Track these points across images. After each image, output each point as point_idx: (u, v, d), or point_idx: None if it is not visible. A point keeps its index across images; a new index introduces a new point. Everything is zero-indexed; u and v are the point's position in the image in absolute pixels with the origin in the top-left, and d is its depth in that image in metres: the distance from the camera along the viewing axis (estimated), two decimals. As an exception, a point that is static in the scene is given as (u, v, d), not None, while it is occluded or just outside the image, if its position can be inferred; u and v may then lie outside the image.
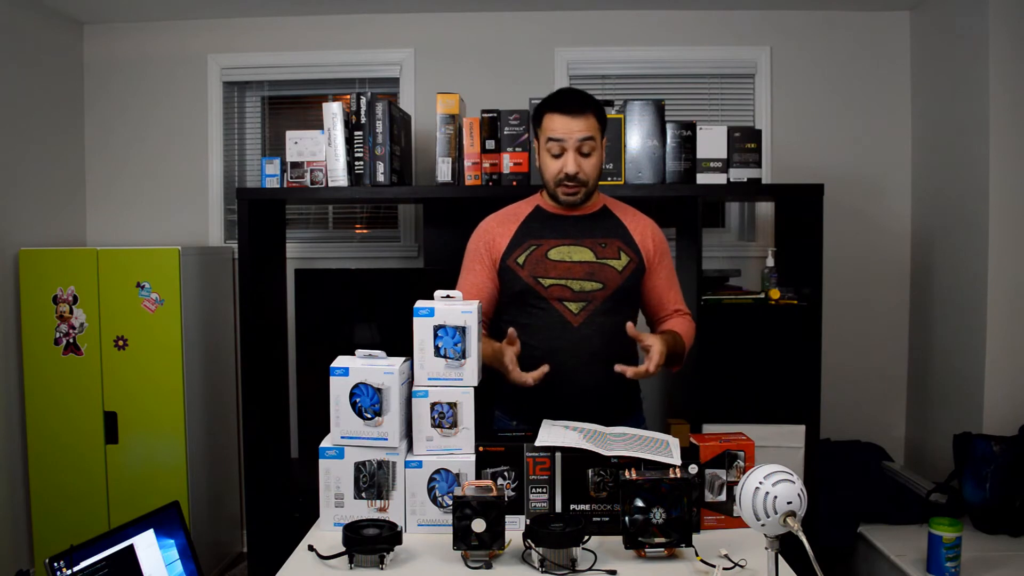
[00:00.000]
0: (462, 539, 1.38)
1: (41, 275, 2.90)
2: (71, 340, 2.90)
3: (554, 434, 1.58)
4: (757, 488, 1.17)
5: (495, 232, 1.92)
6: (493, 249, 1.90)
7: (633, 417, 1.93)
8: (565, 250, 1.86)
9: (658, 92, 3.36)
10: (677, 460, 1.53)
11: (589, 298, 1.84)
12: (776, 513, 1.15)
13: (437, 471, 1.54)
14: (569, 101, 1.81)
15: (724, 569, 1.35)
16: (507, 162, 2.68)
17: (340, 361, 1.55)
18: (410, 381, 1.59)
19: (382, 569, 1.39)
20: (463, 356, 1.56)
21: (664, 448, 1.57)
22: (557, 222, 1.91)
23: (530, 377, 1.72)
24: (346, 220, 3.53)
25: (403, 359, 1.57)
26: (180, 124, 3.41)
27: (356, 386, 1.52)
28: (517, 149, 2.69)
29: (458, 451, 1.55)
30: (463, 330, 1.56)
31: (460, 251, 1.98)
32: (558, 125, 1.80)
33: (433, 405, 1.55)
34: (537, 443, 1.54)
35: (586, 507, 1.53)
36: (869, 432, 3.28)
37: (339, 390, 1.53)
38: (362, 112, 2.67)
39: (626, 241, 1.90)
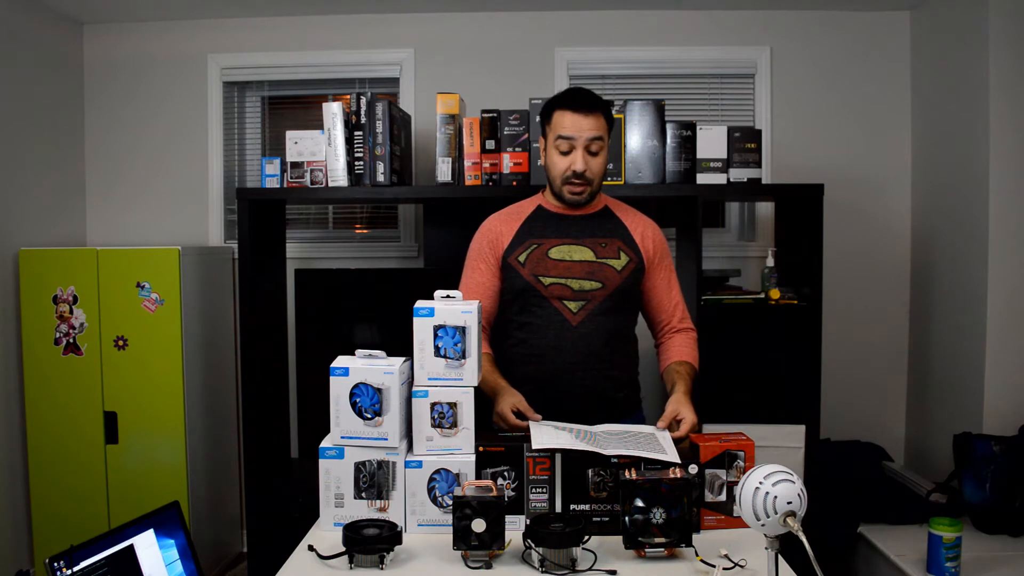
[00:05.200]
0: (462, 539, 1.38)
1: (41, 275, 2.90)
2: (71, 340, 2.90)
3: (546, 435, 1.58)
4: (757, 488, 1.17)
5: (498, 230, 1.93)
6: (496, 247, 1.91)
7: (633, 417, 1.93)
8: (566, 249, 1.86)
9: (658, 92, 3.36)
10: (671, 451, 1.54)
11: (588, 297, 1.84)
12: (776, 513, 1.15)
13: (437, 471, 1.54)
14: (581, 99, 1.83)
15: (724, 569, 1.35)
16: (507, 162, 2.69)
17: (340, 361, 1.55)
18: (410, 381, 1.59)
19: (382, 569, 1.39)
20: (463, 356, 1.56)
21: (654, 442, 1.57)
22: (558, 221, 1.91)
23: (514, 423, 1.69)
24: (346, 220, 3.53)
25: (403, 359, 1.57)
26: (180, 124, 3.40)
27: (356, 386, 1.52)
28: (517, 149, 2.69)
29: (458, 451, 1.55)
30: (463, 330, 1.56)
31: (460, 251, 1.98)
32: (568, 123, 1.81)
33: (433, 405, 1.55)
34: (533, 446, 1.54)
35: (586, 507, 1.53)
36: (869, 432, 3.28)
37: (339, 390, 1.53)
38: (362, 112, 2.67)
39: (626, 241, 1.90)
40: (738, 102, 3.37)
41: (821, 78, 3.30)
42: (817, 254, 2.68)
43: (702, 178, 2.70)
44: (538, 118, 1.99)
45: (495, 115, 2.69)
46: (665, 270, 1.95)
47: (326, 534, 1.53)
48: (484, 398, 1.76)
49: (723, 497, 1.56)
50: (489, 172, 2.70)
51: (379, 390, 1.52)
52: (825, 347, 2.72)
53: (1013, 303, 2.77)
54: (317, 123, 2.72)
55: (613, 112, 2.66)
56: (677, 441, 1.62)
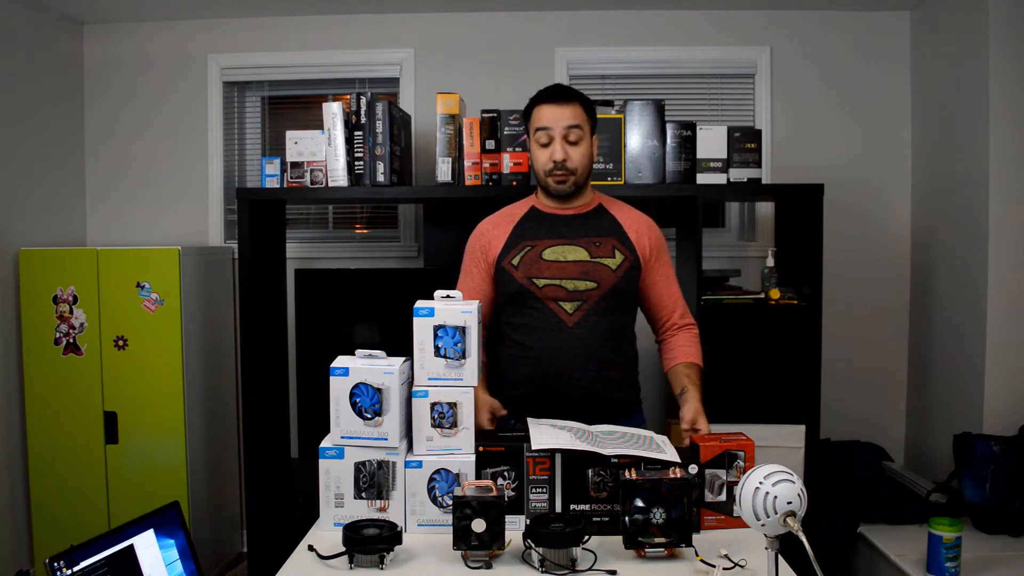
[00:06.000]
0: (462, 539, 1.38)
1: (41, 275, 2.90)
2: (71, 340, 2.90)
3: (546, 434, 1.58)
4: (757, 488, 1.17)
5: (491, 235, 1.93)
6: (489, 252, 1.91)
7: (633, 417, 1.93)
8: (560, 250, 1.86)
9: (658, 92, 3.36)
10: (671, 452, 1.54)
11: (583, 297, 1.83)
12: (776, 513, 1.15)
13: (437, 471, 1.54)
14: (555, 91, 1.87)
15: (724, 569, 1.35)
16: (507, 162, 2.69)
17: (340, 361, 1.55)
18: (410, 381, 1.59)
19: (382, 569, 1.39)
20: (463, 356, 1.56)
21: (655, 446, 1.57)
22: (552, 222, 1.91)
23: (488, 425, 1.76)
24: (346, 220, 3.53)
25: (403, 359, 1.57)
26: (180, 124, 3.41)
27: (356, 386, 1.52)
28: (517, 149, 2.69)
29: (458, 451, 1.55)
30: (463, 330, 1.56)
31: (460, 251, 1.98)
32: (545, 114, 1.84)
33: (433, 405, 1.55)
34: (533, 447, 1.54)
35: (586, 507, 1.53)
36: (869, 432, 3.28)
37: (339, 390, 1.53)
38: (362, 112, 2.67)
39: (621, 239, 1.90)
40: (738, 102, 3.37)
41: (821, 78, 3.30)
42: (817, 254, 2.68)
43: (702, 178, 2.70)
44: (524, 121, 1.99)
45: (495, 115, 2.69)
46: (663, 266, 1.95)
47: (326, 534, 1.53)
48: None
49: (723, 497, 1.56)
50: (489, 172, 2.70)
51: (379, 390, 1.52)
52: (825, 347, 2.72)
53: (1013, 303, 2.77)
54: (317, 123, 2.72)
55: (613, 112, 2.68)
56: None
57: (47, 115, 3.19)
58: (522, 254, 1.87)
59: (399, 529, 1.44)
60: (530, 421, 1.68)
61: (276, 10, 3.29)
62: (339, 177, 2.68)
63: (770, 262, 2.79)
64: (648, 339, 2.03)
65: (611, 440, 1.58)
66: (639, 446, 1.55)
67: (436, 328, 1.56)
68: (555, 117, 1.83)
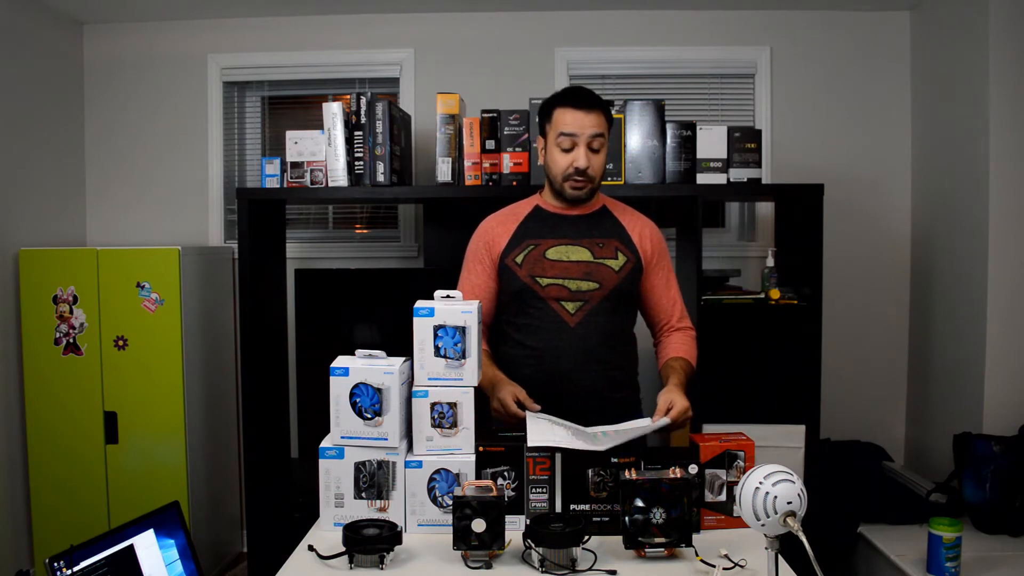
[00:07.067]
0: (462, 539, 1.39)
1: (41, 275, 2.90)
2: (71, 340, 2.90)
3: (543, 432, 1.58)
4: (757, 488, 1.17)
5: (495, 232, 1.93)
6: (493, 249, 1.91)
7: (632, 417, 1.92)
8: (563, 250, 1.87)
9: (658, 92, 3.36)
10: (653, 425, 1.57)
11: (586, 298, 1.84)
12: (776, 513, 1.15)
13: (437, 471, 1.54)
14: (582, 97, 1.84)
15: (724, 569, 1.35)
16: (507, 162, 2.69)
17: (340, 361, 1.55)
18: (410, 381, 1.59)
19: (382, 569, 1.39)
20: (463, 356, 1.56)
21: (637, 428, 1.60)
22: (556, 222, 1.91)
23: (515, 411, 1.71)
24: (346, 220, 3.53)
25: (403, 359, 1.57)
26: (180, 124, 3.41)
27: (356, 386, 1.52)
28: (517, 149, 2.69)
29: (458, 451, 1.55)
30: (463, 330, 1.56)
31: (460, 251, 1.98)
32: (570, 120, 1.81)
33: (433, 405, 1.55)
34: (529, 443, 1.54)
35: (586, 507, 1.53)
36: (869, 432, 3.28)
37: (339, 390, 1.53)
38: (362, 112, 2.67)
39: (624, 241, 1.90)
40: (738, 102, 3.37)
41: (821, 78, 3.31)
42: (817, 254, 2.68)
43: (702, 178, 2.70)
44: (536, 118, 1.98)
45: (495, 115, 2.69)
46: (663, 270, 1.95)
47: (326, 534, 1.53)
48: (483, 398, 1.76)
49: (723, 497, 1.56)
50: (489, 172, 2.70)
51: (379, 390, 1.52)
52: (825, 347, 2.72)
53: (1013, 303, 2.77)
54: (317, 123, 2.72)
55: (613, 112, 2.68)
56: (671, 428, 1.63)
57: (47, 115, 3.19)
58: (526, 252, 1.87)
59: (399, 529, 1.44)
60: (528, 415, 1.68)
61: (276, 10, 3.29)
62: (339, 177, 2.68)
63: (770, 262, 2.79)
64: (649, 340, 2.03)
65: (607, 437, 1.59)
66: (632, 431, 1.57)
67: (436, 328, 1.56)
68: (581, 124, 1.81)
